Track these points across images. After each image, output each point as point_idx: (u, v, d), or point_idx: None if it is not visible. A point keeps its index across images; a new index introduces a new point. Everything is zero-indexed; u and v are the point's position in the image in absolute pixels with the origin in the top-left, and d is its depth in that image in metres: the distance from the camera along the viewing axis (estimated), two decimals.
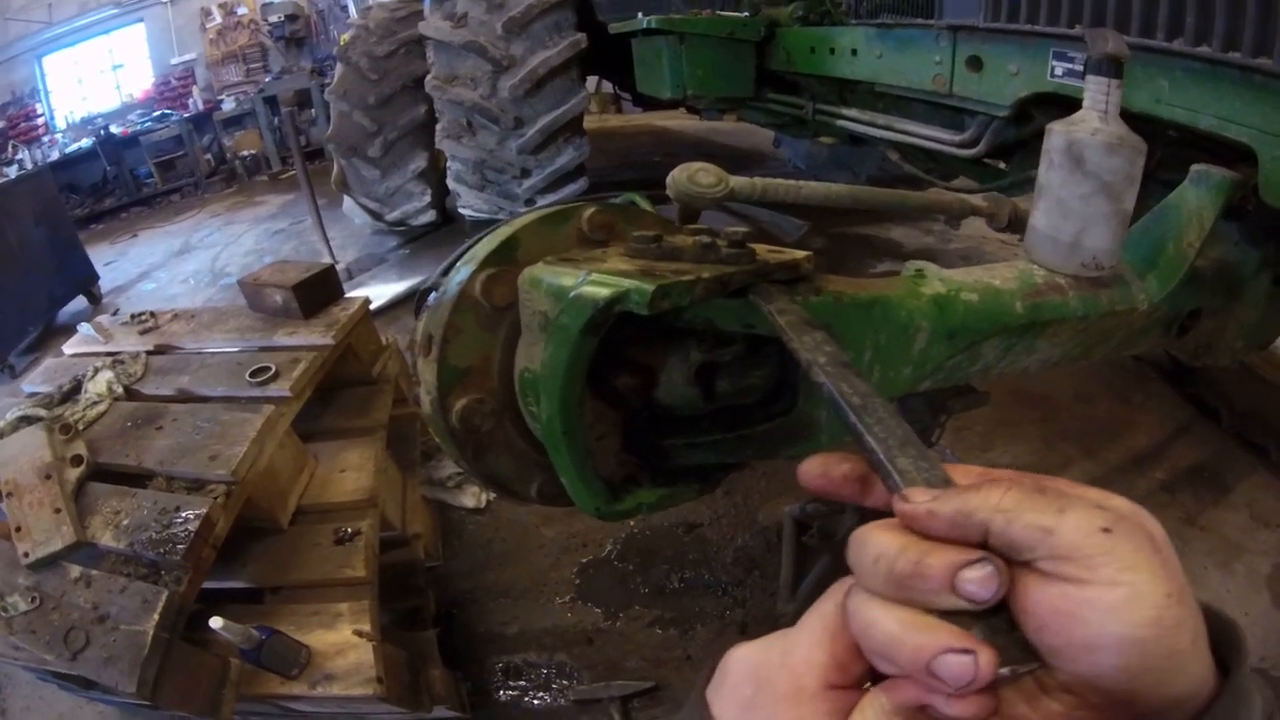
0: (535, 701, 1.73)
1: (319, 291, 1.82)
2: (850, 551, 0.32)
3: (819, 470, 0.39)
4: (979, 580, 0.28)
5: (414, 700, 1.35)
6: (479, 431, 0.64)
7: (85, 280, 4.97)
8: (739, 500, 2.17)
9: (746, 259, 0.59)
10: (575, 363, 0.56)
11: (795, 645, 0.35)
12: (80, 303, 4.96)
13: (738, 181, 0.68)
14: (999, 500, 0.29)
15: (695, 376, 0.63)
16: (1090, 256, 0.85)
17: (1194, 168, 0.96)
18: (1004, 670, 0.27)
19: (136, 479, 1.53)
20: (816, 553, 1.70)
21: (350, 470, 1.56)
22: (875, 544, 0.31)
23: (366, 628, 1.20)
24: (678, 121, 6.38)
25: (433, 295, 0.68)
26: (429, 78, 2.97)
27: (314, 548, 1.31)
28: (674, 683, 1.71)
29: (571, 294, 0.55)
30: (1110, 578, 0.27)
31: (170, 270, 5.28)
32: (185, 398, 1.68)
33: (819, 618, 0.35)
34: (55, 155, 7.33)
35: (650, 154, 5.34)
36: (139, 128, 7.54)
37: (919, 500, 0.31)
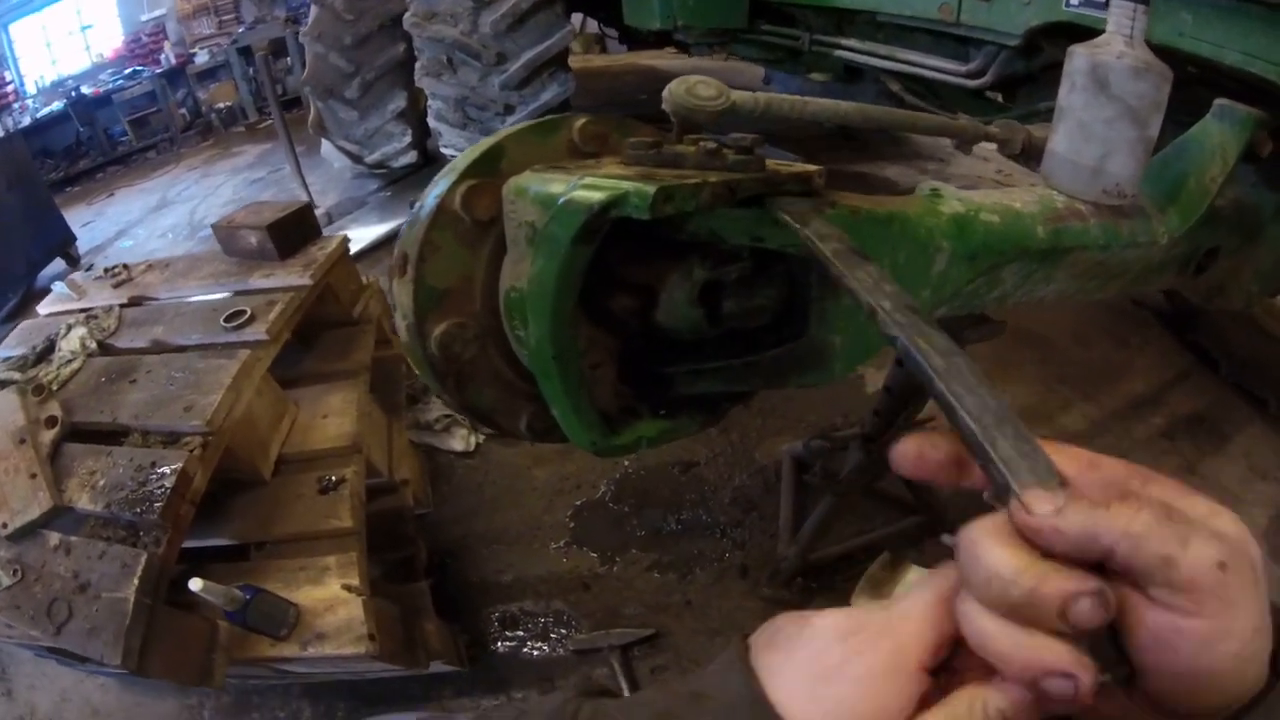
0: (534, 652, 1.70)
1: (295, 231, 1.73)
2: (960, 556, 0.30)
3: (914, 453, 0.36)
4: (1090, 612, 0.27)
5: (409, 656, 1.30)
6: (460, 360, 0.59)
7: (62, 243, 4.90)
8: (735, 439, 2.11)
9: (755, 166, 0.54)
10: (566, 277, 0.51)
11: (905, 618, 0.33)
12: (59, 265, 4.89)
13: (739, 95, 0.62)
14: (1128, 524, 0.28)
15: (699, 296, 0.58)
16: (1113, 183, 0.81)
17: (1217, 102, 0.92)
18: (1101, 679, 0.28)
19: (112, 436, 1.46)
20: (819, 492, 1.65)
21: (333, 415, 1.48)
22: (989, 562, 0.29)
23: (355, 581, 1.15)
24: (665, 60, 6.12)
25: (411, 211, 0.61)
26: (407, 15, 2.85)
27: (298, 499, 1.24)
28: (674, 629, 1.67)
29: (562, 200, 0.50)
30: (1214, 612, 0.28)
31: (148, 226, 5.18)
32: (160, 348, 1.61)
33: (933, 596, 0.34)
34: (27, 121, 7.16)
35: (637, 92, 5.16)
36: (110, 86, 7.41)
37: (1042, 512, 0.28)
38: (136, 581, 1.12)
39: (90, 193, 6.61)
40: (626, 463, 2.05)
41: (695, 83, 0.59)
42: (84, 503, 1.30)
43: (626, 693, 1.53)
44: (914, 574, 1.60)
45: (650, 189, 0.47)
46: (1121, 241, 0.86)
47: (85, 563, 1.18)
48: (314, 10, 3.60)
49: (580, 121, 0.60)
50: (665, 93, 0.58)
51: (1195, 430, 2.07)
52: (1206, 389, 2.20)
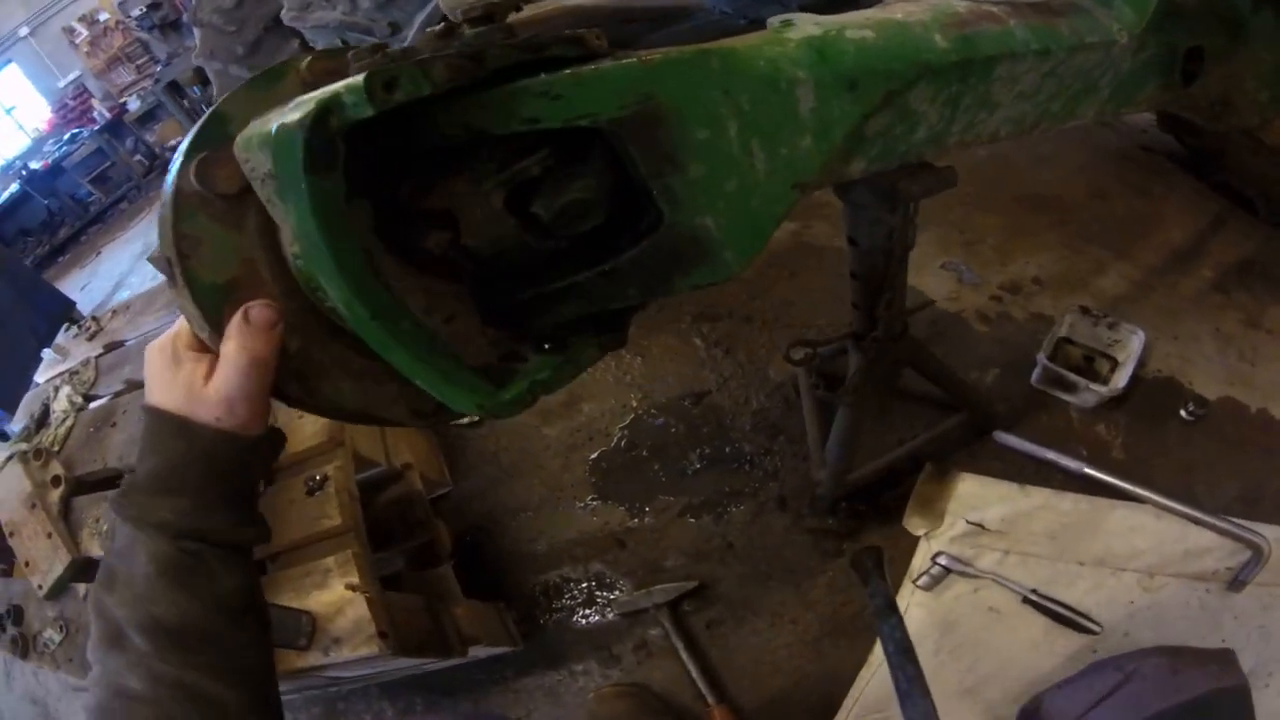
0: (583, 621, 1.69)
1: None
2: None
3: None
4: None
5: (440, 646, 1.30)
6: (290, 358, 0.53)
7: (63, 311, 5.12)
8: (743, 358, 1.99)
9: (500, 35, 0.48)
10: (326, 218, 0.45)
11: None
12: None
13: None
14: None
15: (507, 204, 0.51)
16: None
17: None
18: None
19: (108, 482, 1.55)
20: (829, 409, 1.53)
21: (308, 414, 1.44)
22: None
23: (356, 579, 1.14)
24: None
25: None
26: (283, 12, 2.78)
27: (290, 505, 1.25)
28: (720, 577, 1.63)
29: (275, 128, 0.44)
30: None
31: (140, 273, 5.32)
32: (132, 387, 1.69)
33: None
34: None
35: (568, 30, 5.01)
36: (57, 155, 7.67)
37: None
38: None
39: (79, 257, 6.90)
40: (635, 403, 1.98)
41: None
42: (97, 550, 1.39)
43: (683, 653, 1.51)
44: (967, 484, 1.50)
45: (360, 79, 0.42)
46: (1064, 43, 0.75)
47: None
48: (197, 32, 3.57)
49: (306, 60, 0.55)
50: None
51: (1248, 279, 1.90)
52: (1248, 232, 2.01)
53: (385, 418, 0.56)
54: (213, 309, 0.51)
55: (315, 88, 0.50)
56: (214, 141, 0.52)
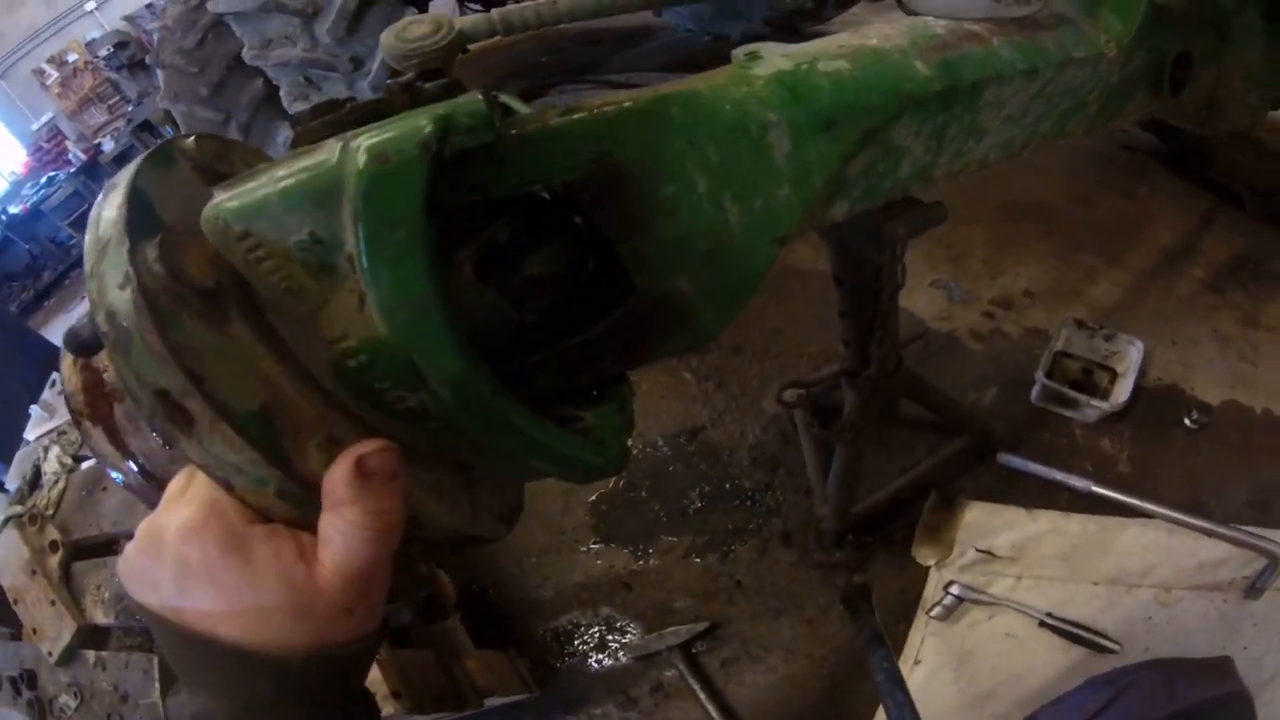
0: (596, 665, 1.68)
1: None
2: None
3: None
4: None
5: (455, 699, 1.30)
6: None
7: (49, 358, 5.12)
8: (736, 391, 1.99)
9: (450, 88, 0.45)
10: (431, 271, 0.37)
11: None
12: (59, 374, 5.18)
13: (467, 21, 0.53)
14: None
15: (478, 274, 0.45)
16: None
17: None
18: None
19: (105, 547, 1.54)
20: (827, 443, 1.53)
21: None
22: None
23: None
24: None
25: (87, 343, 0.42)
26: (244, 51, 2.88)
27: None
28: (731, 616, 1.62)
29: (368, 157, 0.36)
30: None
31: None
32: None
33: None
34: None
35: (536, 56, 4.97)
36: (35, 199, 7.69)
37: None
38: (157, 685, 1.22)
39: (65, 300, 6.89)
40: (629, 442, 1.97)
41: (405, 25, 0.50)
42: (100, 617, 1.40)
43: (700, 693, 1.49)
44: (973, 511, 1.49)
45: (476, 96, 0.38)
46: (1052, 61, 0.72)
47: (119, 674, 1.32)
48: (161, 74, 3.62)
49: (185, 144, 0.46)
50: (380, 45, 0.50)
51: (1242, 276, 1.90)
52: (1237, 228, 2.02)
53: (478, 535, 0.46)
54: (272, 448, 0.36)
55: (208, 170, 0.45)
56: (152, 226, 0.39)
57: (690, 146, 0.50)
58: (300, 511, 0.37)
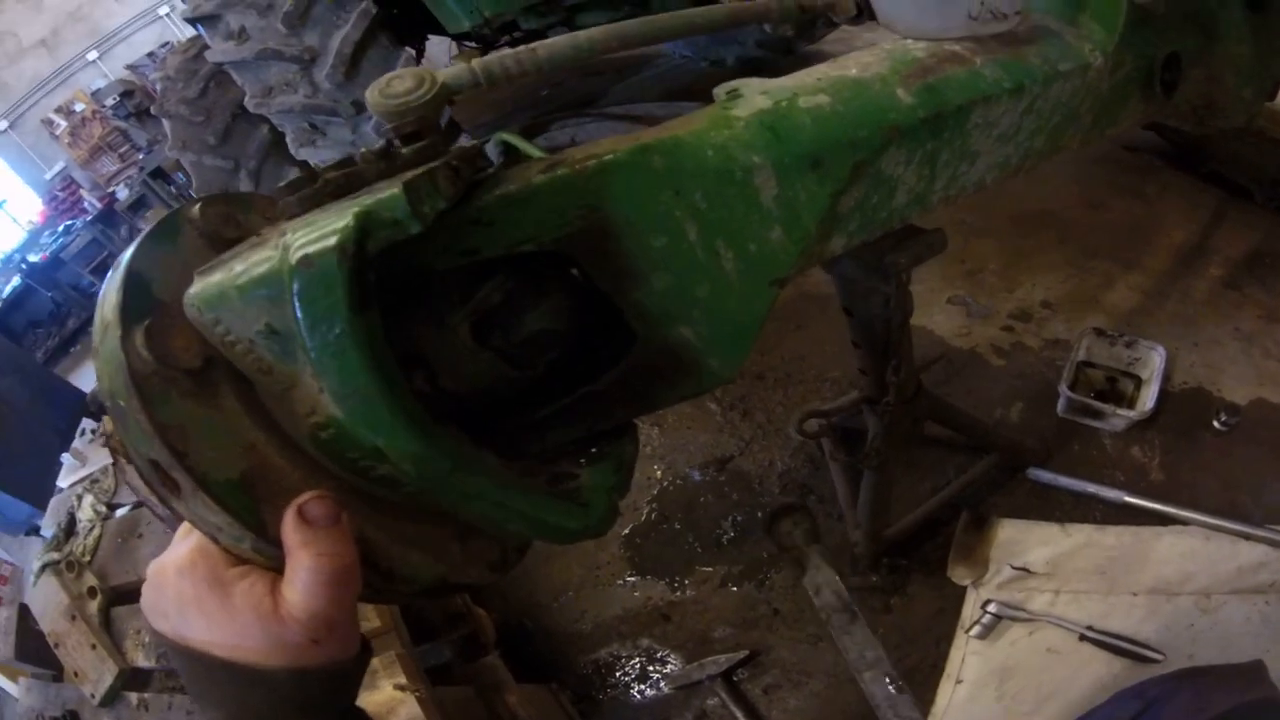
0: (639, 696, 1.68)
1: None
2: None
3: None
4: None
5: None
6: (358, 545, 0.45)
7: (78, 404, 5.22)
8: (761, 420, 2.00)
9: (434, 150, 0.46)
10: (380, 363, 0.39)
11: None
12: (88, 422, 5.23)
13: (449, 73, 0.53)
14: None
15: (475, 337, 0.47)
16: (976, 2, 0.68)
17: None
18: None
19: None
20: (855, 468, 1.54)
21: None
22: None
23: (403, 679, 1.13)
24: None
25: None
26: (247, 99, 2.92)
27: None
28: (771, 643, 1.62)
29: (295, 261, 0.38)
30: None
31: None
32: None
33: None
34: None
35: (537, 90, 4.94)
36: (54, 248, 7.80)
37: None
38: None
39: (89, 348, 6.99)
40: (659, 474, 2.00)
41: (389, 80, 0.49)
42: (142, 660, 1.43)
43: None
44: (1007, 529, 1.49)
45: (395, 191, 0.38)
46: (1037, 75, 0.70)
47: (161, 714, 1.32)
48: (166, 124, 3.68)
49: (193, 209, 0.48)
50: (366, 102, 0.50)
51: (1259, 270, 1.90)
52: (1250, 221, 2.01)
53: (465, 583, 0.48)
54: (246, 512, 0.40)
55: (215, 237, 0.47)
56: (144, 309, 0.42)
57: (677, 196, 0.51)
58: (275, 563, 0.42)
